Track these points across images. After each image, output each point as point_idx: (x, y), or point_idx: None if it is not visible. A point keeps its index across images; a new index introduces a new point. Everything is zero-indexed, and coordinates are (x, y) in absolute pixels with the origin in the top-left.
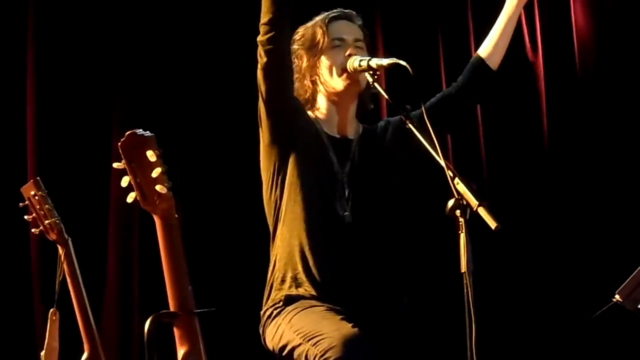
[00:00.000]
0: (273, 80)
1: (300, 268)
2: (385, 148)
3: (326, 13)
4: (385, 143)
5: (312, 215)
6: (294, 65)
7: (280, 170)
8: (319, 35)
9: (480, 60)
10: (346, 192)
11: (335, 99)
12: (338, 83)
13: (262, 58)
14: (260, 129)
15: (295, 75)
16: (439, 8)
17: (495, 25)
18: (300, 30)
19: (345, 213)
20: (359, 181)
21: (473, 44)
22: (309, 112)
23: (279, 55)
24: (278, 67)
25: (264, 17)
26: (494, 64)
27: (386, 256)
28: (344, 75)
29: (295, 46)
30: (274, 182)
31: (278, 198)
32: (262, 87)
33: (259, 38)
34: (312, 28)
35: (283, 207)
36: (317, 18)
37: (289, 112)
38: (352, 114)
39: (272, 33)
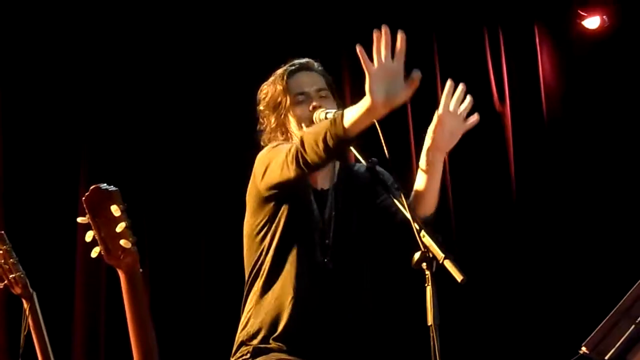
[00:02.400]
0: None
1: (277, 323)
2: (360, 194)
3: (284, 67)
4: (361, 189)
5: (294, 267)
6: (262, 125)
7: (268, 223)
8: (281, 94)
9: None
10: (327, 240)
11: None
12: (301, 130)
13: (300, 168)
14: (256, 181)
15: (267, 136)
16: (407, 60)
17: (417, 181)
18: (264, 88)
19: (326, 259)
20: (337, 229)
21: (440, 92)
22: None
23: None
24: None
25: (315, 158)
26: (426, 211)
27: (362, 304)
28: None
29: (260, 107)
30: (260, 235)
31: (263, 252)
32: (286, 173)
33: (305, 157)
34: (274, 86)
35: (266, 264)
36: (277, 72)
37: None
38: (327, 166)
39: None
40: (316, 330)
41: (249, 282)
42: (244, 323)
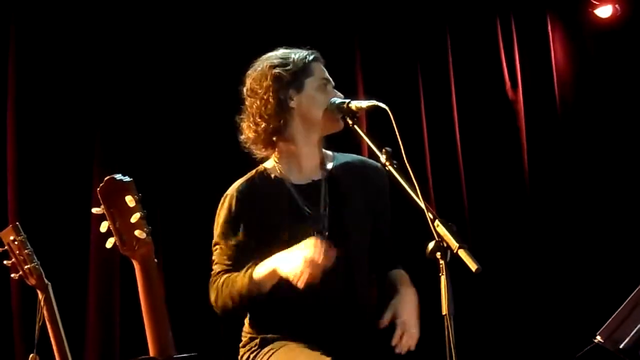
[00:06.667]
0: None
1: (283, 316)
2: (355, 190)
3: (308, 51)
4: (369, 191)
5: None
6: (269, 84)
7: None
8: (314, 69)
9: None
10: (323, 230)
11: (311, 131)
12: (318, 114)
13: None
14: None
15: (270, 100)
16: (419, 47)
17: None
18: (283, 54)
19: None
20: (333, 220)
21: (453, 83)
22: (270, 161)
23: None
24: None
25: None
26: None
27: (364, 291)
28: (325, 113)
29: (278, 70)
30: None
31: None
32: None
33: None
34: (302, 60)
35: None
36: (299, 51)
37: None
38: (320, 150)
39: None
40: (315, 320)
41: None
42: (247, 316)
